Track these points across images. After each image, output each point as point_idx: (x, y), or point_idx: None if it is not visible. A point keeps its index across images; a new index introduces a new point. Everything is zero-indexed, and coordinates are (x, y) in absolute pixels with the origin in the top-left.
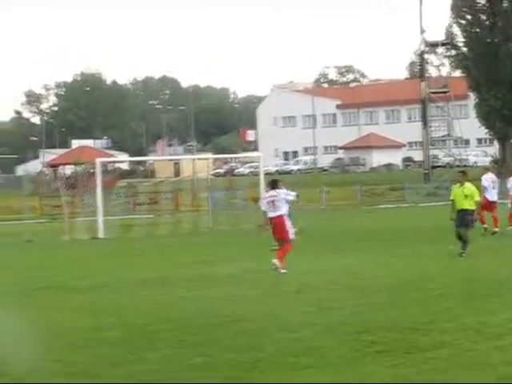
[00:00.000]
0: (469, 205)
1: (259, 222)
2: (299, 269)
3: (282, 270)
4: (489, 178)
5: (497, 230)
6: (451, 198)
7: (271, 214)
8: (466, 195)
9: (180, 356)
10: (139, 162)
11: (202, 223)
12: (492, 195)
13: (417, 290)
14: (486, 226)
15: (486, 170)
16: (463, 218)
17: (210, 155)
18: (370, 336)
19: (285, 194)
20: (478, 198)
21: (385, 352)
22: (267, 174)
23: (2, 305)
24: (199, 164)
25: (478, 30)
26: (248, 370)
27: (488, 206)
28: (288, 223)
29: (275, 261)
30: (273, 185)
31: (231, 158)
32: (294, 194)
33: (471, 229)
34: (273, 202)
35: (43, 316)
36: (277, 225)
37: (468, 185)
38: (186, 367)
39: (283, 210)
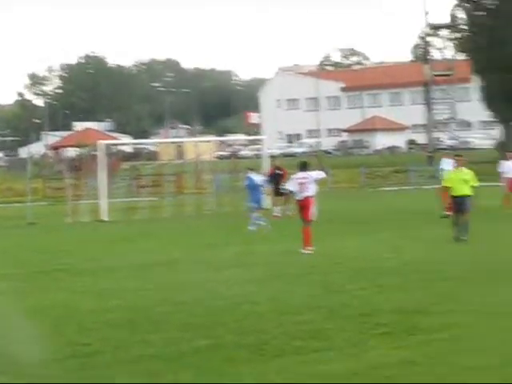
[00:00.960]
0: (467, 190)
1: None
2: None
3: (307, 251)
4: (450, 162)
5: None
6: (447, 183)
7: (299, 196)
8: (464, 180)
9: (185, 339)
10: (142, 145)
11: (206, 205)
12: None
13: (421, 272)
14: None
15: (445, 154)
16: (462, 203)
17: (213, 138)
18: (374, 318)
19: (316, 175)
20: (475, 183)
21: (389, 334)
22: (271, 156)
23: (11, 287)
24: (202, 146)
25: (481, 13)
26: (253, 352)
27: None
28: (313, 205)
29: (303, 250)
30: (303, 166)
31: (235, 141)
32: (322, 172)
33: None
34: (303, 183)
35: (51, 298)
36: (304, 206)
37: (465, 169)
38: (190, 350)
39: (312, 191)
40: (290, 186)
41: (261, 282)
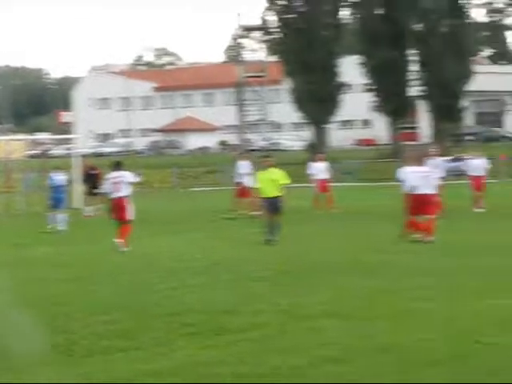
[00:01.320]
0: (278, 190)
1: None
2: (115, 251)
3: (125, 249)
4: (246, 164)
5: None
6: (257, 185)
7: (113, 196)
8: (272, 180)
9: None
10: None
11: (15, 205)
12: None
13: (231, 272)
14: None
15: (242, 156)
16: (274, 204)
17: (23, 136)
18: (183, 318)
19: (130, 176)
20: (285, 182)
21: (196, 334)
22: (82, 156)
23: None
24: (12, 145)
25: (292, 16)
26: (61, 353)
27: (245, 192)
28: (129, 204)
29: (117, 240)
30: (117, 166)
31: (45, 140)
32: (137, 176)
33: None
34: (117, 183)
35: None
36: (118, 206)
37: (274, 169)
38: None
39: (126, 191)
40: (105, 186)
41: (71, 282)
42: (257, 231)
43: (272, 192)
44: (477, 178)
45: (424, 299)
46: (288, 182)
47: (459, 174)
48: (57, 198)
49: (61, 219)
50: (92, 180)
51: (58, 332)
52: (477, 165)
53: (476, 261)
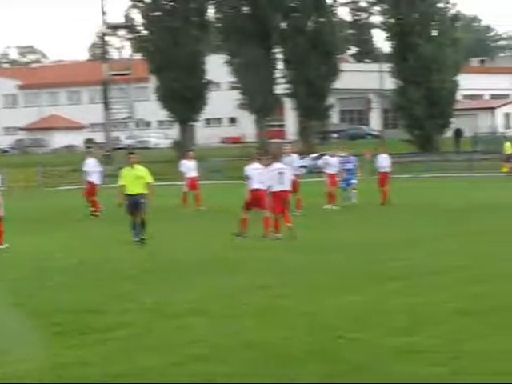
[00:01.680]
0: (142, 188)
1: None
2: None
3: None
4: (93, 162)
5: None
6: (121, 182)
7: None
8: (137, 177)
9: None
10: None
11: None
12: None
13: (97, 271)
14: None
15: (90, 154)
16: (137, 202)
17: None
18: (47, 318)
19: None
20: (150, 180)
21: (62, 334)
22: None
23: None
24: None
25: (158, 13)
26: None
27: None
28: None
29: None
30: None
31: None
32: None
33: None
34: None
35: None
36: None
37: (140, 167)
38: None
39: None
40: None
41: None
42: (123, 230)
43: (136, 189)
44: (332, 176)
45: (285, 296)
46: (152, 180)
47: (321, 172)
48: None
49: None
50: None
51: None
52: (334, 162)
53: (331, 257)
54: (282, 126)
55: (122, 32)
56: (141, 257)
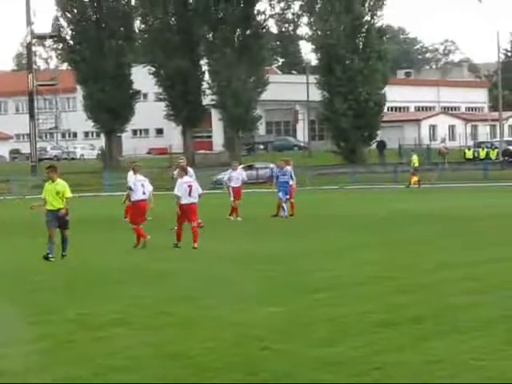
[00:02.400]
0: (60, 202)
1: None
2: None
3: None
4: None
5: None
6: (43, 196)
7: None
8: (57, 192)
9: None
10: None
11: None
12: None
13: (18, 282)
14: None
15: None
16: (60, 218)
17: None
18: None
19: None
20: (69, 195)
21: None
22: None
23: None
24: None
25: (84, 24)
26: None
27: None
28: None
29: None
30: None
31: None
32: None
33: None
34: None
35: None
36: None
37: (60, 181)
38: None
39: None
40: None
41: None
42: (43, 242)
43: (56, 204)
44: (236, 188)
45: (210, 307)
46: (70, 194)
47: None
48: None
49: None
50: None
51: None
52: (236, 175)
53: (255, 268)
54: (209, 137)
55: (48, 42)
56: (62, 269)
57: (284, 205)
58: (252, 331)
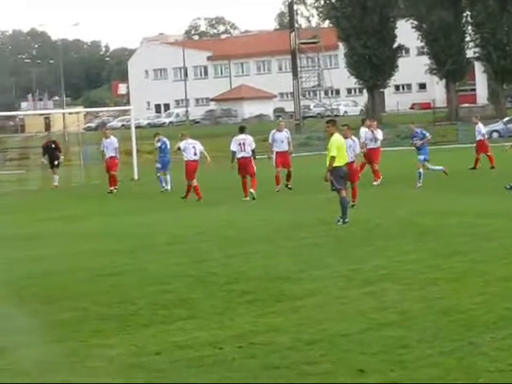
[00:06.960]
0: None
1: (131, 176)
2: (170, 221)
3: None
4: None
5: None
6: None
7: (240, 154)
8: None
9: (49, 311)
10: (8, 117)
11: (74, 178)
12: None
13: (289, 239)
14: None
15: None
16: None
17: (80, 109)
18: (240, 286)
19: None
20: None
21: (255, 301)
22: (138, 127)
23: None
24: (70, 118)
25: None
26: (120, 323)
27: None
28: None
29: (252, 190)
30: (242, 130)
31: (103, 112)
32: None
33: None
34: (243, 144)
35: None
36: (245, 163)
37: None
38: (56, 322)
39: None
40: (232, 146)
41: (126, 252)
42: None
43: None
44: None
45: (477, 261)
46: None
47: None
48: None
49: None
50: (51, 152)
51: (114, 303)
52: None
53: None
54: (472, 90)
55: (309, 0)
56: (330, 224)
57: None
58: None
